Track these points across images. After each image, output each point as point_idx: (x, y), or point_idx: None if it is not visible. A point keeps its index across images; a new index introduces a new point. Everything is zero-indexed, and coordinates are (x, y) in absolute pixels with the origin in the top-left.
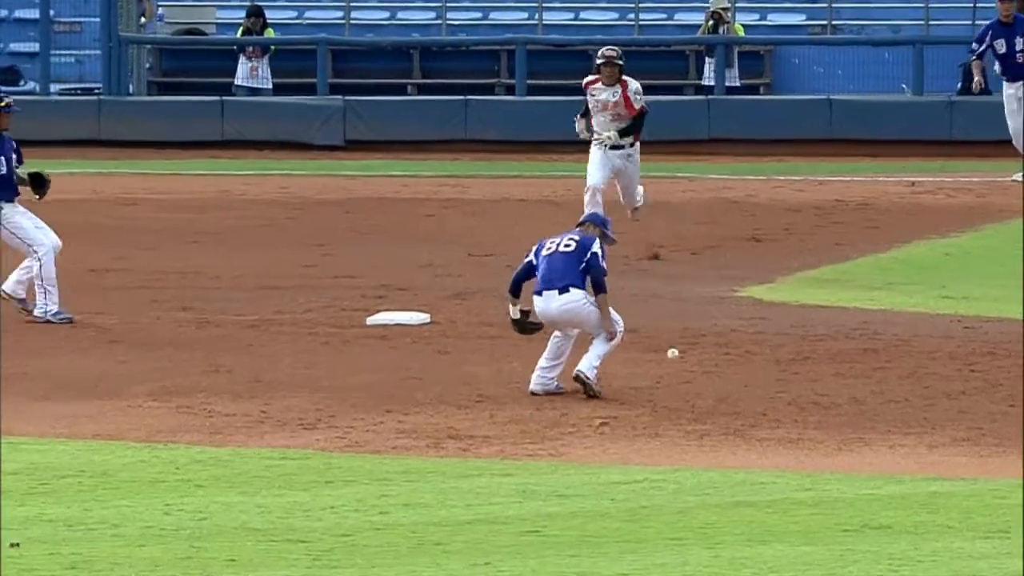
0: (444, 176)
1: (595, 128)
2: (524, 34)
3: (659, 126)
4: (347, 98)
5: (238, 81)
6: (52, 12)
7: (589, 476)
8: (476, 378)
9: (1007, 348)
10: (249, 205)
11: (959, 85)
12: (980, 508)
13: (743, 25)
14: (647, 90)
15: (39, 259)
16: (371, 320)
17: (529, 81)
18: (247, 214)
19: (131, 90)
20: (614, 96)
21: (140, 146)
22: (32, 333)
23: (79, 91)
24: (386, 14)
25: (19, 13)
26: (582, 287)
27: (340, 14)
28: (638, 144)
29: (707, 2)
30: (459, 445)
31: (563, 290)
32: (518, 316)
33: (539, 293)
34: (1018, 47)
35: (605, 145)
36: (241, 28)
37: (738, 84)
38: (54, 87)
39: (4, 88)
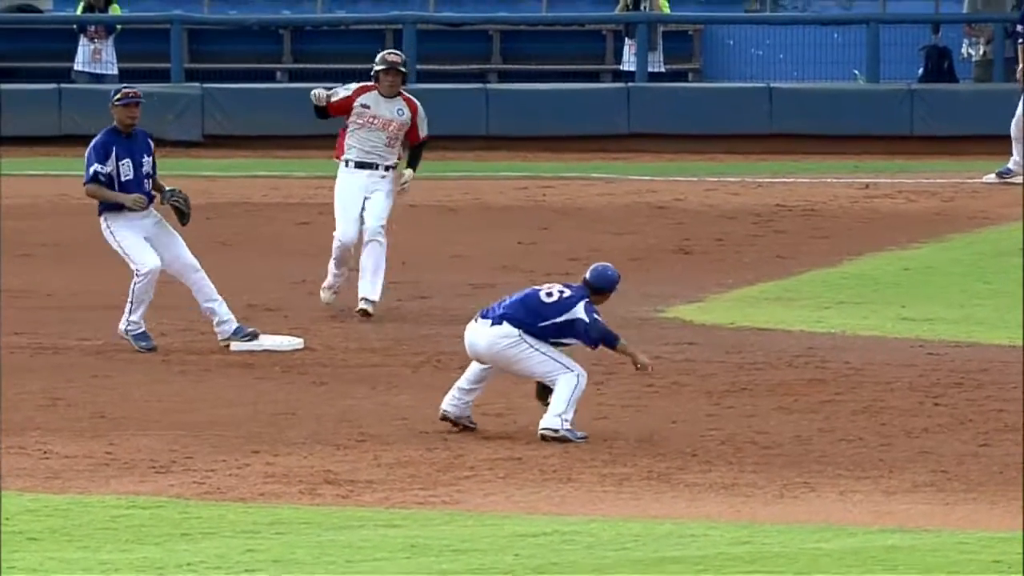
0: (320, 177)
1: (356, 147)
2: (413, 11)
3: (572, 118)
4: (206, 85)
5: (78, 66)
6: None
7: (489, 528)
8: (357, 413)
9: (976, 378)
10: (91, 211)
11: (920, 71)
12: (945, 565)
13: (668, 1)
14: (561, 76)
15: (135, 277)
16: (236, 346)
17: (419, 66)
18: (89, 221)
19: None
20: (400, 115)
21: None
22: None
23: None
24: None
25: None
26: (525, 329)
27: None
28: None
29: None
30: (338, 491)
31: (497, 321)
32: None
33: (475, 319)
34: None
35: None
36: (82, 4)
37: (663, 70)
38: None
39: None
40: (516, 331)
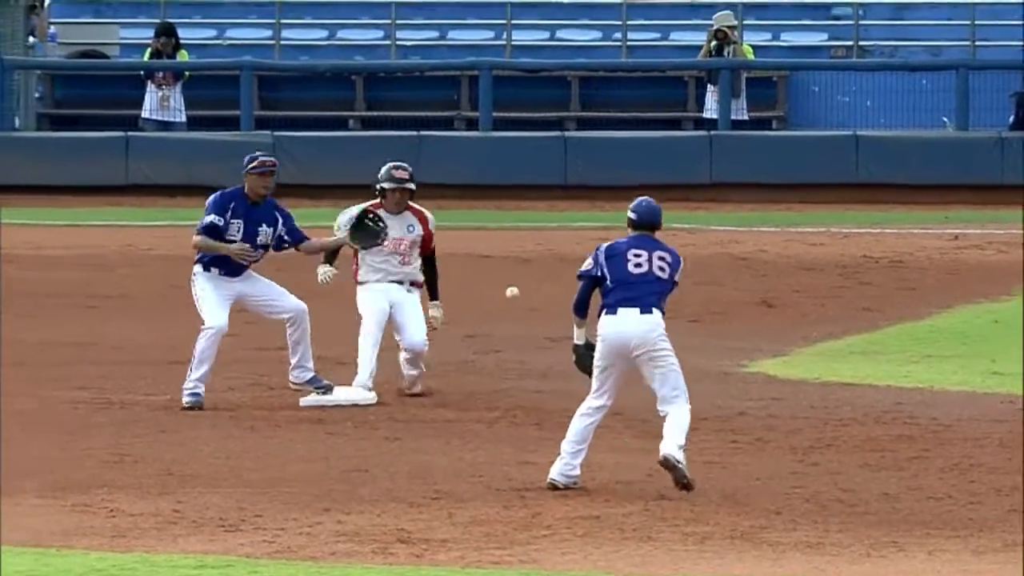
0: None
1: (371, 266)
2: (489, 57)
3: (652, 167)
4: (276, 133)
5: (145, 114)
6: None
7: None
8: (431, 470)
9: None
10: (158, 262)
11: (1011, 118)
12: None
13: (752, 46)
14: (641, 124)
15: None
16: (305, 401)
17: (495, 113)
18: (155, 273)
19: (16, 124)
20: (411, 231)
21: (25, 191)
22: None
23: None
24: (324, 33)
25: None
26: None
27: (268, 33)
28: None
29: (709, 19)
30: (411, 551)
31: (647, 309)
32: (583, 343)
33: (612, 310)
34: None
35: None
36: (149, 50)
37: (746, 117)
38: None
39: None
40: (662, 319)
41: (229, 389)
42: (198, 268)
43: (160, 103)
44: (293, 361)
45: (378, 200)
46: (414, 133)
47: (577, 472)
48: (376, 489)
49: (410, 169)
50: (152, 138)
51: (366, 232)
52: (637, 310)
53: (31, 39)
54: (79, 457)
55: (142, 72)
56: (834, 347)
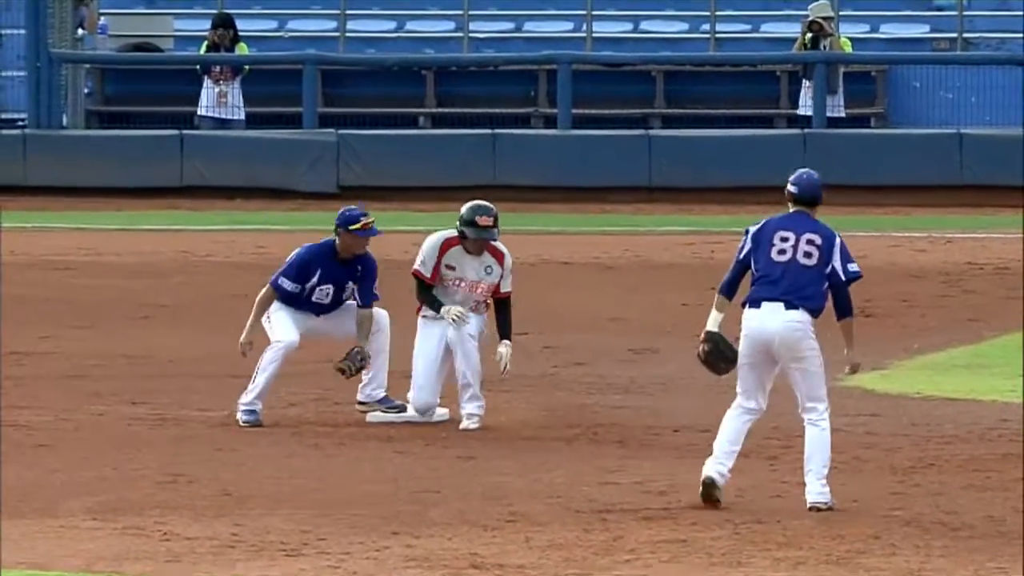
0: None
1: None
2: (568, 50)
3: (743, 167)
4: (341, 132)
5: (202, 111)
6: None
7: None
8: (506, 491)
9: None
10: (216, 269)
11: None
12: None
13: (850, 39)
14: (730, 121)
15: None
16: (373, 417)
17: (575, 110)
18: (212, 281)
19: (65, 122)
20: (489, 273)
21: (76, 194)
22: None
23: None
24: (392, 24)
25: None
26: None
27: (333, 24)
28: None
29: (803, 10)
30: None
31: (790, 305)
32: (715, 332)
33: (756, 304)
34: None
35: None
36: (206, 43)
37: (843, 114)
38: None
39: None
40: (811, 319)
41: (290, 404)
42: (273, 305)
43: (217, 99)
44: (366, 378)
45: (455, 235)
46: (488, 131)
47: (727, 473)
48: (448, 511)
49: (495, 213)
50: (209, 137)
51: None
52: (782, 305)
53: (80, 31)
54: (132, 477)
55: (198, 66)
56: (936, 360)
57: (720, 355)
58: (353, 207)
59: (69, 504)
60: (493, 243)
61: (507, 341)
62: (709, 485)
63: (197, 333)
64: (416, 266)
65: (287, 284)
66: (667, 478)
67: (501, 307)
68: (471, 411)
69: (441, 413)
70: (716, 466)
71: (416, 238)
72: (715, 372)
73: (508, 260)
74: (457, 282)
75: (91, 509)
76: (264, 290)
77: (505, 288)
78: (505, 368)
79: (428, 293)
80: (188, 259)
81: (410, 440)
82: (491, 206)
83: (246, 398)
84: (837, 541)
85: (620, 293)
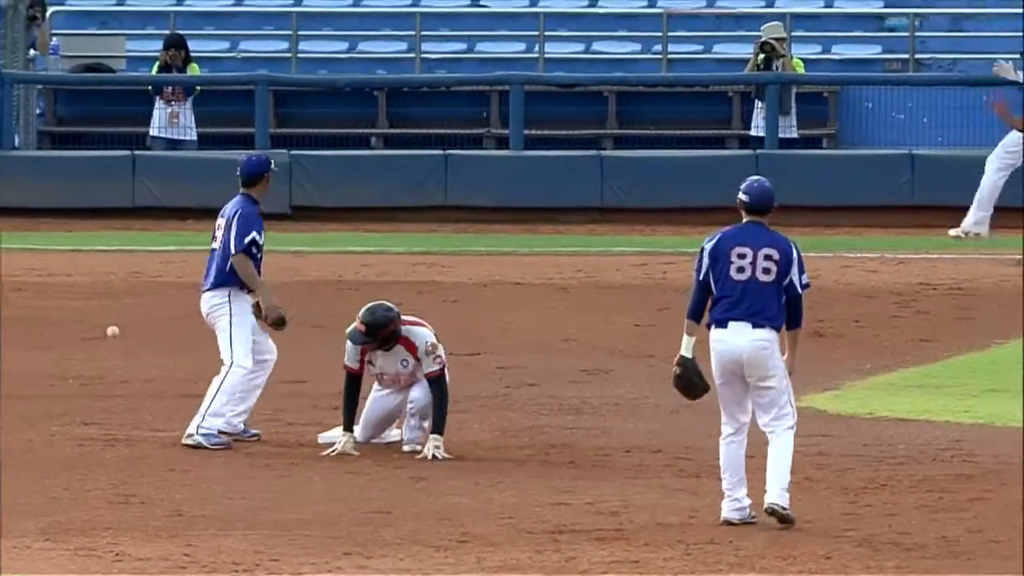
0: (418, 253)
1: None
2: (520, 71)
3: (695, 188)
4: (293, 152)
5: (154, 131)
6: None
7: None
8: (460, 511)
9: None
10: (167, 290)
11: None
12: None
13: (802, 60)
14: (682, 142)
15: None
16: (324, 437)
17: (527, 131)
18: (165, 301)
19: (16, 143)
20: (405, 366)
21: (28, 215)
22: None
23: None
24: (344, 45)
25: None
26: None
27: (285, 45)
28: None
29: (756, 31)
30: None
31: (756, 325)
32: (689, 357)
33: (722, 323)
34: None
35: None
36: (157, 64)
37: (795, 135)
38: None
39: None
40: (776, 335)
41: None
42: (233, 292)
43: (169, 120)
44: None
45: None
46: (440, 152)
47: (746, 504)
48: (400, 532)
49: (374, 318)
50: (161, 157)
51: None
52: (749, 325)
53: (32, 52)
54: (84, 497)
55: (150, 87)
56: (889, 380)
57: (691, 381)
58: (251, 153)
59: (21, 525)
60: (403, 335)
61: (436, 436)
62: (733, 526)
63: (148, 354)
64: (344, 361)
65: (259, 236)
66: (619, 499)
67: (432, 388)
68: (411, 437)
69: (391, 435)
70: (730, 507)
71: (367, 259)
72: (688, 397)
73: (422, 346)
74: (381, 375)
75: (43, 530)
76: (241, 259)
77: (428, 370)
78: (433, 456)
79: (350, 395)
80: (140, 280)
81: (362, 461)
82: (376, 308)
83: (219, 423)
84: (789, 561)
85: (572, 314)
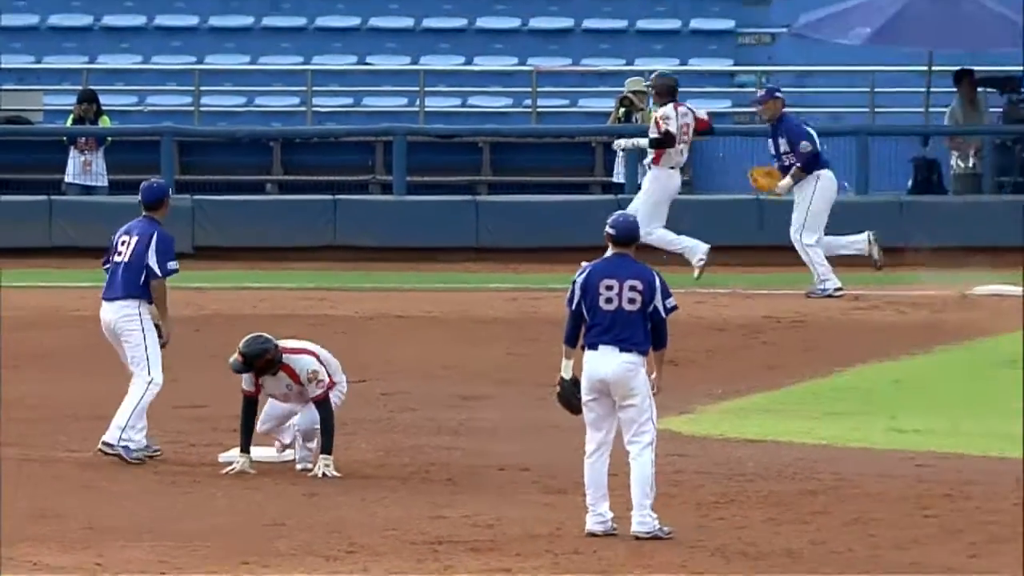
0: (309, 289)
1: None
2: (403, 123)
3: (562, 230)
4: (196, 197)
5: (69, 178)
6: None
7: None
8: (348, 524)
9: (966, 490)
10: (82, 323)
11: (910, 182)
12: None
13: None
14: (550, 188)
15: (150, 387)
16: (224, 456)
17: (409, 177)
18: (79, 333)
19: None
20: (291, 389)
21: None
22: None
23: None
24: (241, 100)
25: None
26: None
27: (188, 100)
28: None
29: (617, 87)
30: None
31: (623, 348)
32: (567, 378)
33: (593, 347)
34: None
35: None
36: (72, 116)
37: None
38: None
39: None
40: (642, 359)
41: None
42: (143, 303)
43: (83, 168)
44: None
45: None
46: (330, 197)
47: (608, 517)
48: (293, 543)
49: (250, 348)
50: (75, 202)
51: None
52: (616, 348)
53: None
54: (4, 512)
55: (65, 138)
56: (738, 405)
57: (569, 398)
58: (151, 180)
59: None
60: (285, 363)
61: (325, 456)
62: (596, 537)
63: (64, 380)
64: (242, 386)
65: (175, 264)
66: (493, 512)
67: (319, 411)
68: (302, 456)
69: (285, 454)
70: (593, 520)
71: (263, 294)
72: (570, 412)
73: (303, 374)
74: (272, 396)
75: None
76: (161, 284)
77: (312, 395)
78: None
79: (247, 417)
80: (57, 313)
81: (259, 478)
82: (252, 340)
83: (136, 437)
84: (647, 569)
85: (450, 344)
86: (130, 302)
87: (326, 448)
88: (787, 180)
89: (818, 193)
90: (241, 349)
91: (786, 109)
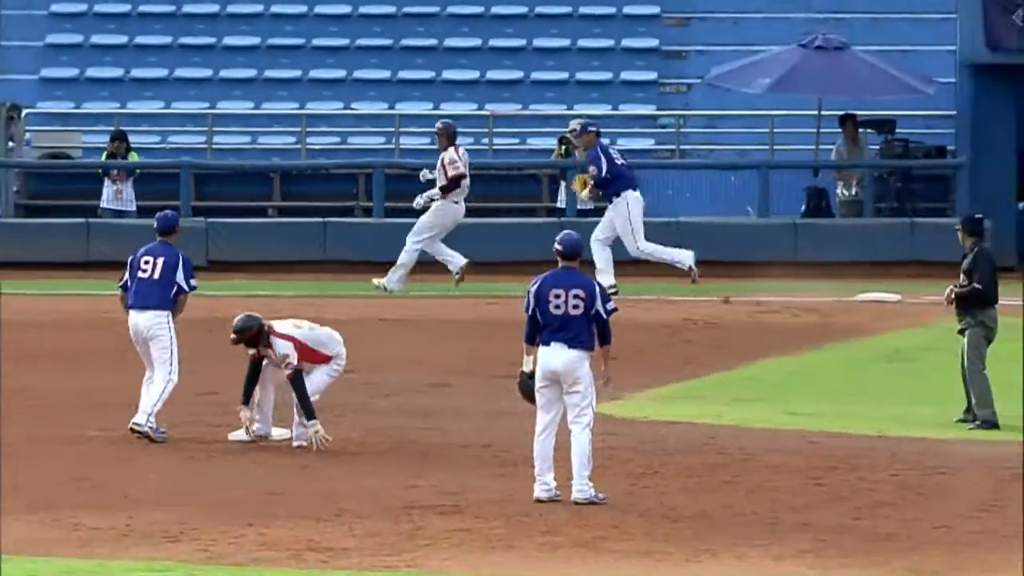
0: (304, 296)
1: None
2: (382, 158)
3: (514, 247)
4: (210, 220)
5: (103, 204)
6: None
7: None
8: (336, 492)
9: (851, 463)
10: (114, 325)
11: (803, 207)
12: None
13: None
14: (506, 212)
15: (172, 381)
16: (233, 436)
17: (387, 203)
18: (111, 333)
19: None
20: (288, 366)
21: (7, 268)
22: None
23: None
24: (247, 139)
25: None
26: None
27: (203, 138)
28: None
29: (559, 128)
30: (319, 557)
31: (571, 345)
32: (527, 371)
33: (547, 343)
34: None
35: None
36: (105, 152)
37: (591, 206)
38: None
39: None
40: (586, 354)
41: (172, 426)
42: (170, 314)
43: (115, 195)
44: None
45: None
46: (320, 220)
47: (552, 486)
48: (290, 508)
49: (240, 323)
50: (109, 224)
51: None
52: (565, 345)
53: (10, 143)
54: (50, 480)
55: (100, 170)
56: (661, 393)
57: (529, 388)
58: (165, 212)
59: (6, 503)
60: (272, 340)
61: (309, 423)
62: (543, 503)
63: (99, 373)
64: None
65: (195, 282)
66: (457, 482)
67: (293, 387)
68: (298, 433)
69: (283, 434)
70: (540, 488)
71: (267, 300)
72: (528, 400)
73: (278, 355)
74: (274, 366)
75: (22, 507)
76: (185, 297)
77: (287, 372)
78: (315, 445)
79: (251, 375)
80: (91, 317)
81: (261, 453)
82: (243, 317)
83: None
84: (585, 529)
85: (421, 342)
86: (161, 312)
87: (308, 415)
88: (586, 192)
89: (631, 209)
90: (233, 326)
91: (699, 146)
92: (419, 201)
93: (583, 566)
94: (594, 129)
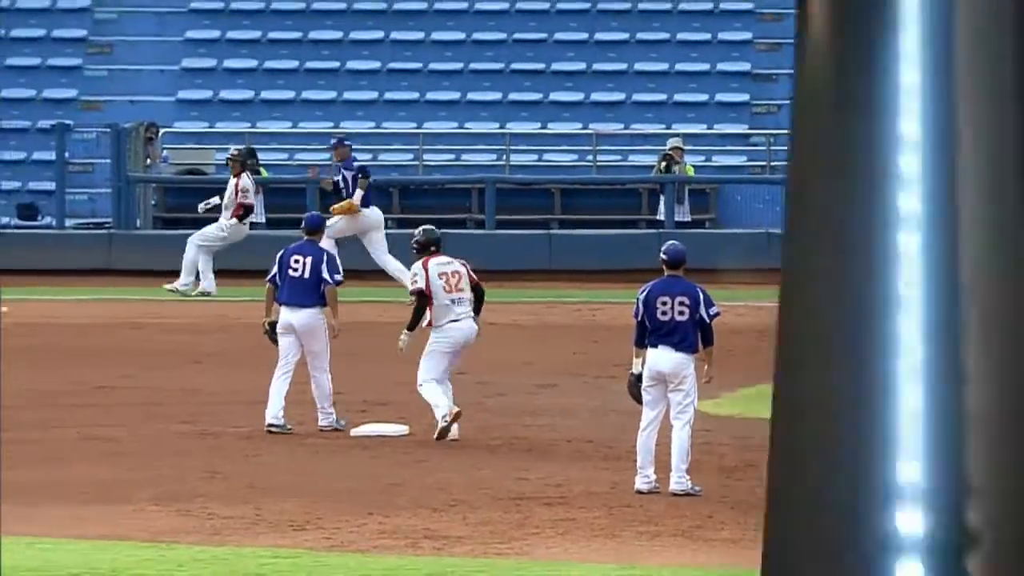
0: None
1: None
2: (493, 173)
3: (616, 257)
4: None
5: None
6: (67, 154)
7: (551, 572)
8: (450, 484)
9: None
10: (244, 329)
11: None
12: None
13: (693, 166)
14: (607, 224)
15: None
16: (355, 432)
17: (497, 216)
18: (241, 336)
19: (138, 224)
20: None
21: (147, 275)
22: (44, 444)
23: (91, 225)
24: (368, 156)
25: (37, 155)
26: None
27: (327, 156)
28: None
29: (659, 146)
30: (435, 544)
31: (677, 348)
32: (636, 373)
33: (655, 345)
34: None
35: None
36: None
37: (688, 219)
38: (69, 222)
39: (22, 221)
40: (691, 356)
41: (298, 423)
42: (324, 310)
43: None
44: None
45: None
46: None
47: (653, 478)
48: (408, 498)
49: (422, 234)
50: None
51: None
52: (672, 348)
53: (148, 160)
54: (183, 474)
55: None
56: (752, 392)
57: (637, 388)
58: (311, 213)
59: (138, 494)
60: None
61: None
62: (643, 494)
63: (230, 373)
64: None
65: (341, 276)
66: (562, 475)
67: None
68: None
69: (401, 429)
70: (641, 480)
71: (385, 307)
72: (635, 400)
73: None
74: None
75: (154, 497)
76: (333, 290)
77: (409, 290)
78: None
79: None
80: (225, 320)
81: (380, 448)
82: (426, 228)
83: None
84: (682, 520)
85: (529, 345)
86: (317, 310)
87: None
88: (345, 203)
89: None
90: (418, 239)
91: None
92: (202, 208)
93: (680, 554)
94: (348, 144)
